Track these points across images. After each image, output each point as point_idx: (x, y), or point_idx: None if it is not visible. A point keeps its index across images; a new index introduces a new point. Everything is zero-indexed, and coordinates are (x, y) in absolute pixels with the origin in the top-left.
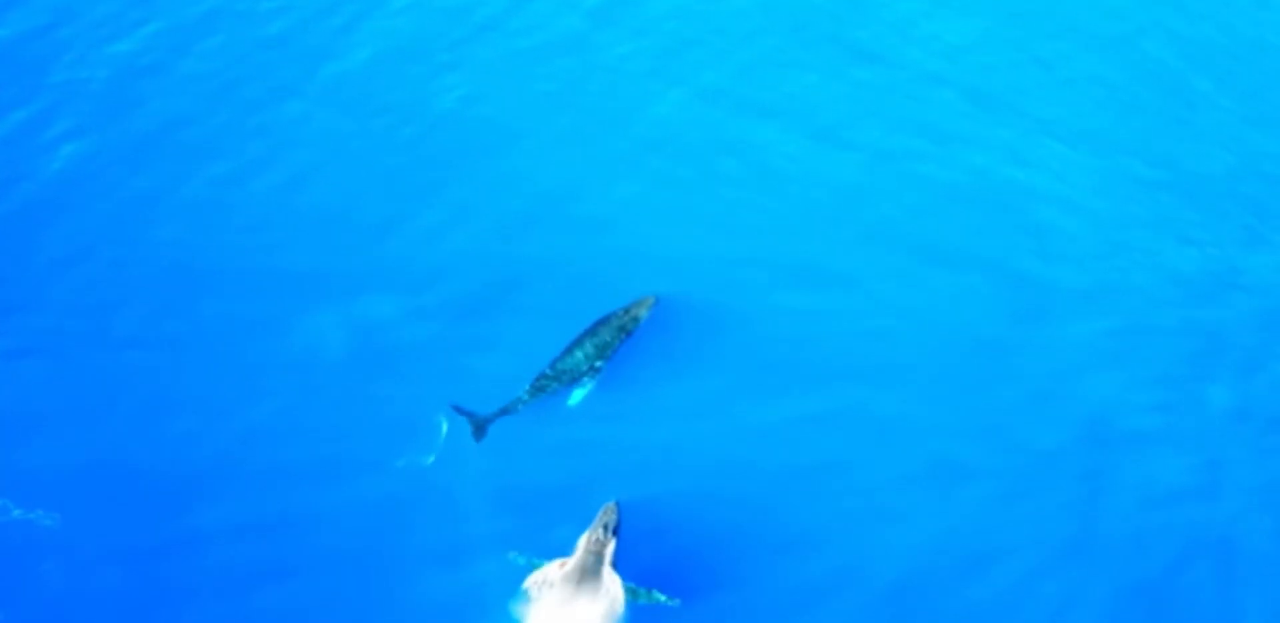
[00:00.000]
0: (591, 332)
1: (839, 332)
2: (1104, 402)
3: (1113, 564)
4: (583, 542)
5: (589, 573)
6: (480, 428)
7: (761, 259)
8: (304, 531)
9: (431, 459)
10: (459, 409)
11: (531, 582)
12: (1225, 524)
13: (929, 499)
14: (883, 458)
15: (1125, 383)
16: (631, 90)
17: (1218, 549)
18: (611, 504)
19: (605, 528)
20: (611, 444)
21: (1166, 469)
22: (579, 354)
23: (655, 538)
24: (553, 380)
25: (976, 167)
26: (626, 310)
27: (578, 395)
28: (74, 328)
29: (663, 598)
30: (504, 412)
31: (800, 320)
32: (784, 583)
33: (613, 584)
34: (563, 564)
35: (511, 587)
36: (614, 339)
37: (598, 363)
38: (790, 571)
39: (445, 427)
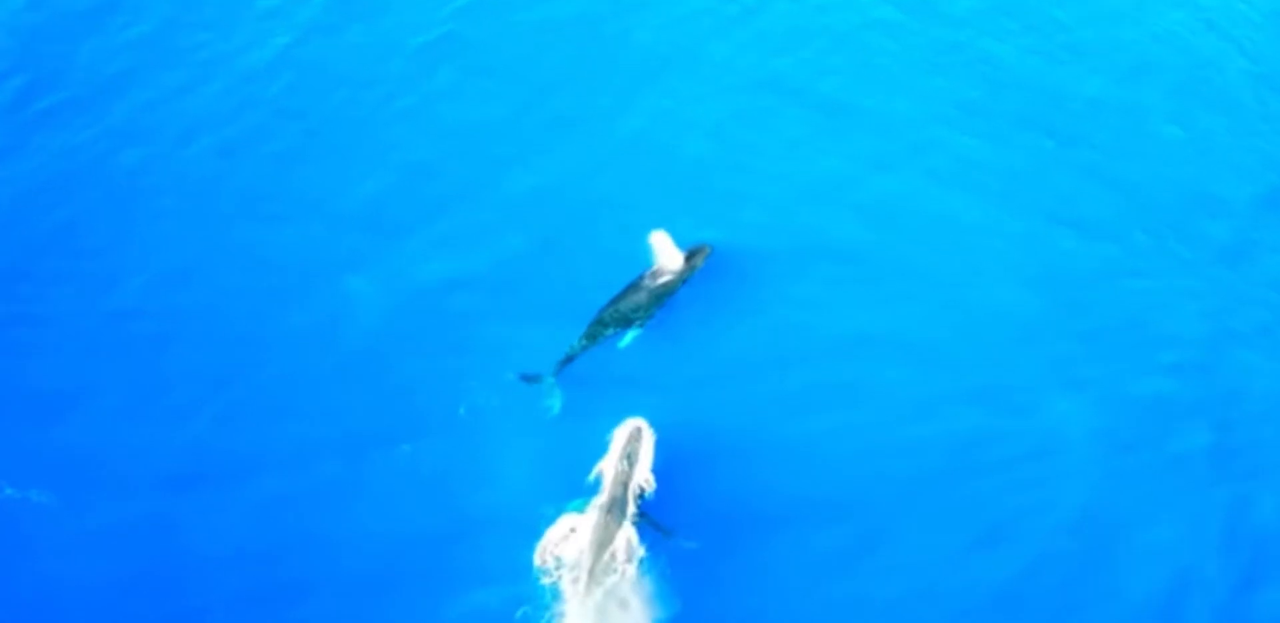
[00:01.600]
0: (649, 278)
1: (860, 298)
2: (1122, 363)
3: (1128, 527)
4: (608, 473)
5: (618, 504)
6: (550, 388)
7: (780, 222)
8: (324, 493)
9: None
10: (524, 376)
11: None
12: (1239, 484)
13: (947, 464)
14: (899, 424)
15: (1145, 344)
16: (638, 61)
17: (1229, 512)
18: (632, 428)
19: (628, 458)
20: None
21: (1182, 431)
22: (635, 300)
23: (679, 496)
24: (609, 326)
25: (995, 132)
26: (686, 258)
27: (629, 338)
28: (69, 298)
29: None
30: (564, 363)
31: (820, 286)
32: (804, 545)
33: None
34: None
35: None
36: (670, 287)
37: (653, 309)
38: (810, 535)
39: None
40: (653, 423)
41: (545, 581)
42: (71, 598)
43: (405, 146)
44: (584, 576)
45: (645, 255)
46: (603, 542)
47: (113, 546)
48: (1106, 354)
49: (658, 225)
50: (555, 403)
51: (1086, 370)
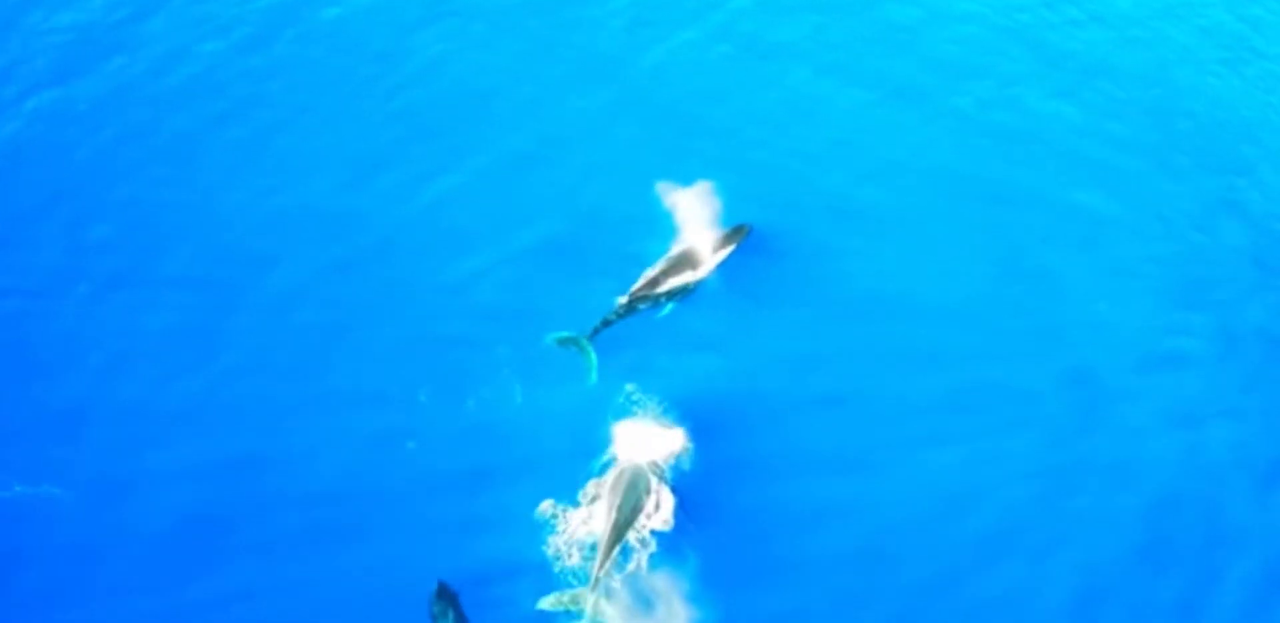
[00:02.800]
0: (688, 257)
1: (880, 266)
2: (1137, 324)
3: (1138, 483)
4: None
5: (639, 478)
6: (584, 349)
7: (795, 197)
8: (343, 462)
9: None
10: (562, 340)
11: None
12: (1239, 446)
13: (958, 424)
14: (916, 385)
15: (1160, 306)
16: (629, 33)
17: (1231, 470)
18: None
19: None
20: (648, 377)
21: (1192, 390)
22: (675, 273)
23: (694, 462)
24: (648, 301)
25: (1012, 100)
26: (725, 237)
27: (668, 309)
28: (58, 269)
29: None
30: (601, 328)
31: (840, 256)
32: (812, 507)
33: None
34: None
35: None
36: (708, 271)
37: (690, 283)
38: (819, 495)
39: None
40: (665, 392)
41: (557, 567)
42: (82, 564)
43: (402, 117)
44: (602, 550)
45: (645, 223)
46: (620, 518)
47: (112, 513)
48: (1132, 322)
49: (656, 193)
50: (592, 373)
51: (1113, 336)
